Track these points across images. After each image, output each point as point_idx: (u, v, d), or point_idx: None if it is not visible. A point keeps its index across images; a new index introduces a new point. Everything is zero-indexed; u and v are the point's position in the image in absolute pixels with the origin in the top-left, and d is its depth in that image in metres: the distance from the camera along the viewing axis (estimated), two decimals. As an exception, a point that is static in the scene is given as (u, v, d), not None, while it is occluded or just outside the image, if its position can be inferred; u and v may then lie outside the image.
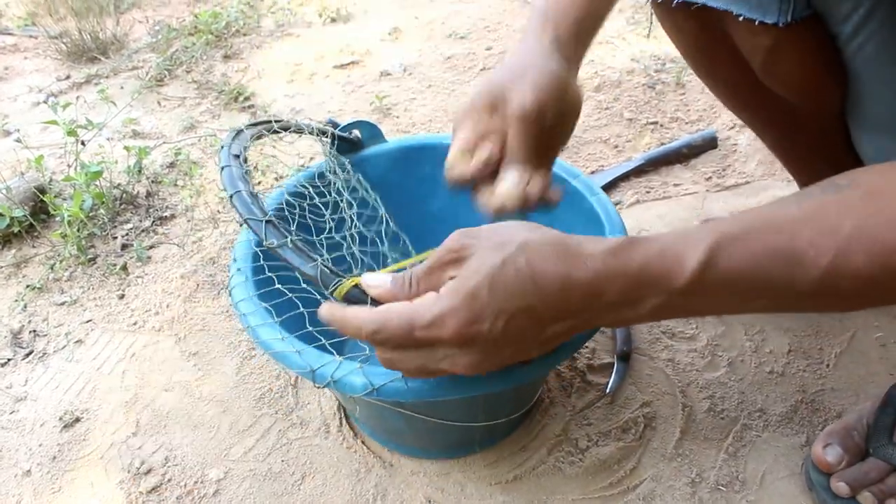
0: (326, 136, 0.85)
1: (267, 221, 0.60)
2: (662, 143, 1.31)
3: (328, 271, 0.57)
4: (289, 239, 0.59)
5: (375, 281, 0.55)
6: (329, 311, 0.54)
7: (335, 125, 0.87)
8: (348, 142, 0.88)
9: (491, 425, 0.80)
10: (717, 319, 0.98)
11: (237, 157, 0.66)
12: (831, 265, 0.45)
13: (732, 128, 1.33)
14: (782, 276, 0.46)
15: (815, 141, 0.88)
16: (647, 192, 1.22)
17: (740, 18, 0.68)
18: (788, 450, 0.82)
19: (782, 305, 0.49)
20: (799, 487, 0.79)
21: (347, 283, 0.56)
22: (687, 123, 1.36)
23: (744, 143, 1.29)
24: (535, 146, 0.67)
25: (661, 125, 1.36)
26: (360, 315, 0.52)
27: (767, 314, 0.96)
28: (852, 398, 0.87)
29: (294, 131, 0.79)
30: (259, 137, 0.74)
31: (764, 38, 0.72)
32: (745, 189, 1.21)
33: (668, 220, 1.15)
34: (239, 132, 0.71)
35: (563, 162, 0.86)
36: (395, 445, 0.85)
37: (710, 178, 1.23)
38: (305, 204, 0.76)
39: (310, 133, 0.81)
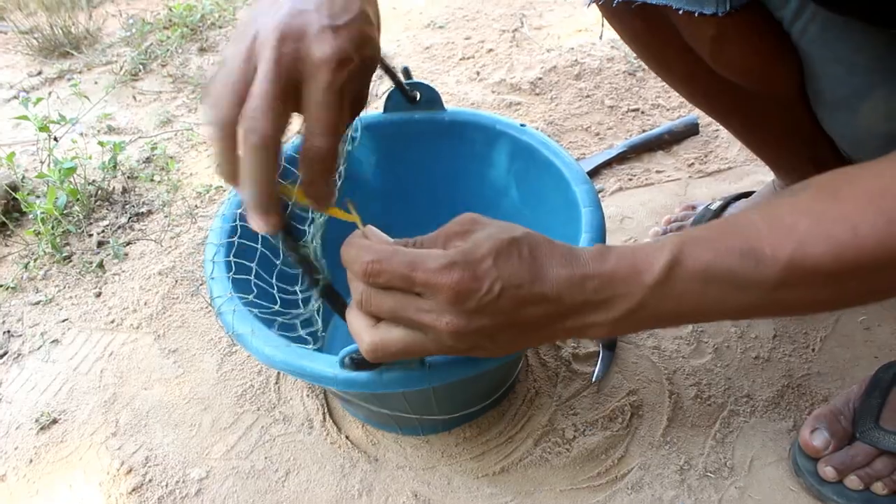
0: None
1: None
2: (644, 130, 1.30)
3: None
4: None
5: (378, 234, 0.54)
6: (349, 241, 0.53)
7: (408, 75, 0.85)
8: (407, 96, 0.85)
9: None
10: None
11: None
12: (790, 261, 0.46)
13: (714, 114, 1.32)
14: (746, 272, 0.48)
15: (779, 126, 0.87)
16: (630, 180, 1.21)
17: (680, 12, 0.68)
18: (776, 435, 0.82)
19: (751, 306, 0.50)
20: (787, 472, 0.79)
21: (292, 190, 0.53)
22: (668, 110, 1.35)
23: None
24: None
25: (643, 112, 1.35)
26: (367, 244, 0.51)
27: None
28: (838, 382, 0.87)
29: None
30: None
31: (707, 28, 0.71)
32: (727, 174, 1.20)
33: (651, 206, 1.14)
34: None
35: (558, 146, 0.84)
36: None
37: (693, 164, 1.23)
38: None
39: (385, 69, 0.76)
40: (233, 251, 0.71)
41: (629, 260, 0.50)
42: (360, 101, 0.55)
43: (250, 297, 0.66)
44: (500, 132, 0.85)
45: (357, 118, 0.83)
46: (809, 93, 0.74)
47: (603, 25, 0.89)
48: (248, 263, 0.70)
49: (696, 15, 0.67)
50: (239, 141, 0.48)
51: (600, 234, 0.69)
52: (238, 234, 0.72)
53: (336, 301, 0.58)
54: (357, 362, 0.58)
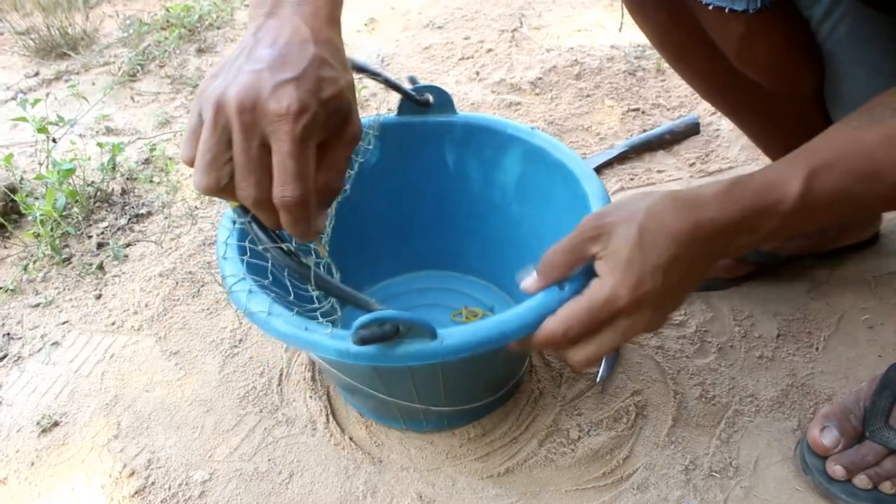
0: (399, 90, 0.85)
1: None
2: (645, 130, 1.30)
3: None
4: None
5: (528, 282, 0.63)
6: (520, 345, 0.62)
7: (413, 82, 0.86)
8: (417, 102, 0.86)
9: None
10: (704, 306, 0.97)
11: None
12: None
13: (715, 113, 1.32)
14: (867, 191, 0.54)
15: (794, 127, 0.87)
16: (631, 179, 1.21)
17: (710, 7, 0.68)
18: (781, 434, 0.82)
19: (868, 209, 0.63)
20: (792, 472, 0.79)
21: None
22: (669, 109, 1.35)
23: (726, 128, 1.28)
24: None
25: (643, 112, 1.35)
26: (547, 329, 0.59)
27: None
28: (842, 381, 0.87)
29: (371, 76, 0.78)
30: None
31: (736, 25, 0.71)
32: (728, 174, 1.20)
33: (652, 206, 1.14)
34: None
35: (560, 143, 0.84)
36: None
37: (694, 163, 1.23)
38: None
39: (384, 82, 0.81)
40: (248, 238, 0.71)
41: (764, 191, 0.55)
42: (344, 135, 0.56)
43: (265, 282, 0.66)
44: (511, 136, 0.85)
45: (377, 119, 0.84)
46: (828, 94, 0.74)
47: (623, 17, 0.89)
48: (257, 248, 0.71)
49: (725, 11, 0.67)
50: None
51: None
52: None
53: (332, 288, 0.58)
54: (366, 338, 0.58)
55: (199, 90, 0.52)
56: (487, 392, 0.82)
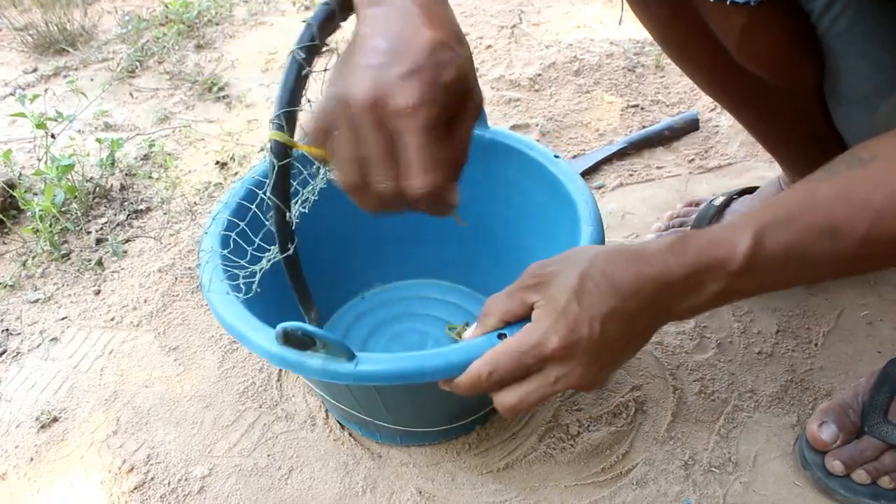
0: None
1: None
2: (644, 126, 1.30)
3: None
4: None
5: (468, 333, 0.61)
6: (446, 385, 0.60)
7: None
8: None
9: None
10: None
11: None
12: (867, 235, 0.49)
13: (714, 109, 1.32)
14: (824, 250, 0.51)
15: (794, 121, 0.88)
16: (630, 175, 1.21)
17: (711, 0, 0.68)
18: (780, 430, 0.82)
19: (827, 275, 0.55)
20: (791, 467, 0.79)
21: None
22: (668, 106, 1.35)
23: (725, 124, 1.28)
24: None
25: (643, 108, 1.35)
26: (472, 369, 0.57)
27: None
28: (841, 377, 0.87)
29: None
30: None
31: (737, 18, 0.71)
32: (727, 170, 1.20)
33: (652, 202, 1.14)
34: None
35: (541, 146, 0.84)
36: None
37: (693, 159, 1.23)
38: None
39: None
40: (248, 217, 0.72)
41: (710, 246, 0.52)
42: (467, 110, 0.55)
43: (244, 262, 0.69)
44: (532, 159, 0.83)
45: None
46: (827, 88, 0.74)
47: (623, 11, 0.89)
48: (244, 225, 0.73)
49: (727, 3, 0.67)
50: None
51: None
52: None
53: (296, 275, 0.62)
54: (290, 338, 0.59)
55: (324, 95, 0.53)
56: (440, 419, 0.80)
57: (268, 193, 0.58)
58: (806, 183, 0.53)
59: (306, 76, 0.56)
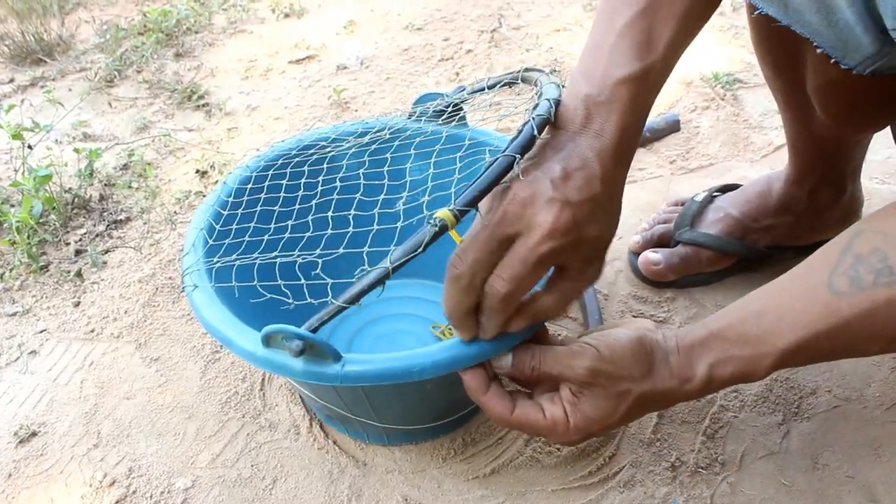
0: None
1: None
2: (625, 128, 1.30)
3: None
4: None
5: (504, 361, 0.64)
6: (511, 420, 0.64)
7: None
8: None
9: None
10: (688, 301, 0.97)
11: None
12: (887, 349, 0.58)
13: (694, 110, 1.33)
14: (843, 356, 0.62)
15: (840, 149, 0.91)
16: (613, 178, 1.20)
17: (819, 50, 0.62)
18: (766, 429, 0.82)
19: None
20: (778, 466, 0.79)
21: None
22: (649, 108, 1.35)
23: (706, 125, 1.29)
24: None
25: (623, 110, 1.35)
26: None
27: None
28: (825, 374, 0.87)
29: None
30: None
31: (833, 72, 0.67)
32: (709, 170, 1.20)
33: (635, 204, 1.14)
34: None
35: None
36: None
37: (675, 161, 1.23)
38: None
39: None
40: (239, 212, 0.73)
41: (735, 375, 0.60)
42: (584, 273, 0.60)
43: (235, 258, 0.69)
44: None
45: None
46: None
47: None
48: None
49: (831, 60, 0.61)
50: None
51: None
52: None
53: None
54: (274, 341, 0.59)
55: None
56: (428, 416, 0.80)
57: (398, 259, 0.57)
58: (828, 293, 0.55)
59: (504, 173, 0.55)
